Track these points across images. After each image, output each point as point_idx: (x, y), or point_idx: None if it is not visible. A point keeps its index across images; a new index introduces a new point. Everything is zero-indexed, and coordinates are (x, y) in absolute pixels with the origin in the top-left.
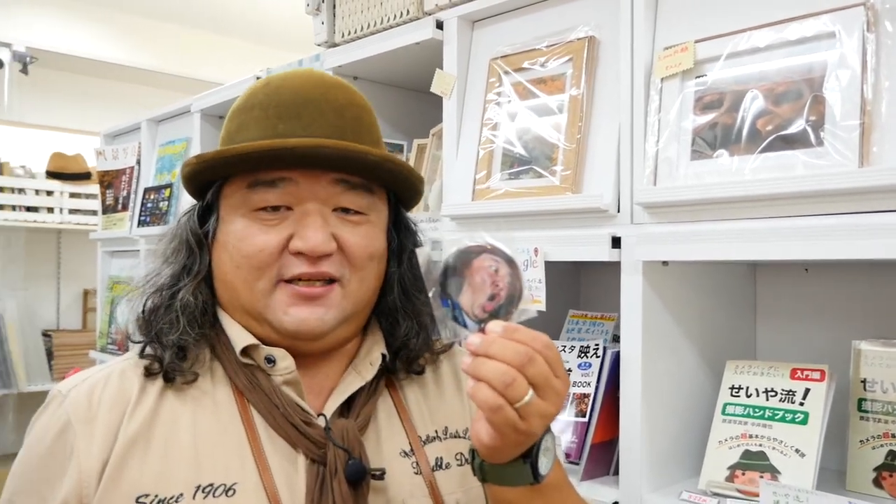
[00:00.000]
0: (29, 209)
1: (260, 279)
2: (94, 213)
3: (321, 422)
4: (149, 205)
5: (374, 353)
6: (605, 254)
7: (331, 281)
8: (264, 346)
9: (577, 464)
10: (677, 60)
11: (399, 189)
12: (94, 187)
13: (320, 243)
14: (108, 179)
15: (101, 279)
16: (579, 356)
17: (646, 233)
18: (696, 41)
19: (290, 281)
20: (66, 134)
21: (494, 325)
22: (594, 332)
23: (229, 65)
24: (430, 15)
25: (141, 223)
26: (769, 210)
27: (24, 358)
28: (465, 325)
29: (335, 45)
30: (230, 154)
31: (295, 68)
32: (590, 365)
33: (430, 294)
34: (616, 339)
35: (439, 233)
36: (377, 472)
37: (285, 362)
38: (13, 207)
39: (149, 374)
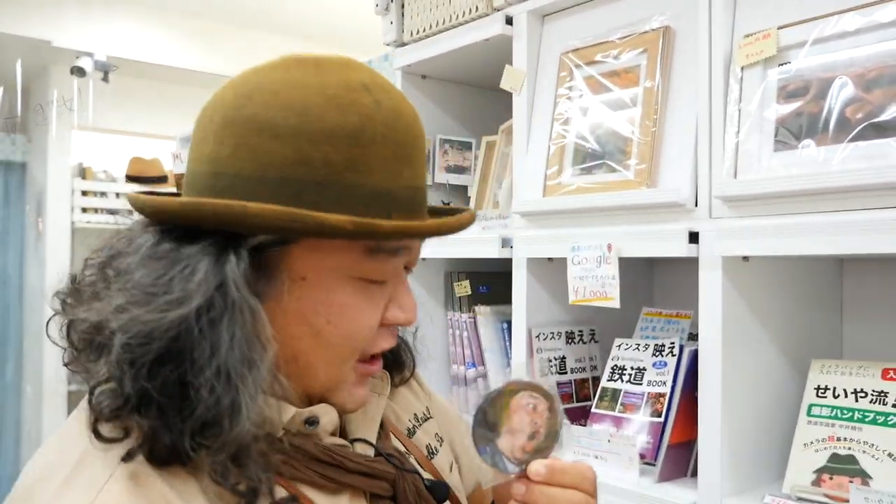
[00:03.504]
0: (110, 212)
1: (352, 358)
2: None
3: (368, 450)
4: None
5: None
6: (682, 249)
7: None
8: (300, 410)
9: (653, 465)
10: (759, 48)
11: None
12: (171, 190)
13: (415, 311)
14: None
15: None
16: (654, 354)
17: (725, 227)
18: (779, 27)
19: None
20: (145, 139)
21: (538, 466)
22: (669, 331)
23: None
24: (499, 10)
25: None
26: (860, 202)
27: None
28: (506, 470)
29: (404, 44)
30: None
31: (377, 73)
32: (665, 364)
33: (468, 442)
34: (692, 337)
35: (510, 230)
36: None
37: (329, 416)
38: (96, 210)
39: (158, 460)
